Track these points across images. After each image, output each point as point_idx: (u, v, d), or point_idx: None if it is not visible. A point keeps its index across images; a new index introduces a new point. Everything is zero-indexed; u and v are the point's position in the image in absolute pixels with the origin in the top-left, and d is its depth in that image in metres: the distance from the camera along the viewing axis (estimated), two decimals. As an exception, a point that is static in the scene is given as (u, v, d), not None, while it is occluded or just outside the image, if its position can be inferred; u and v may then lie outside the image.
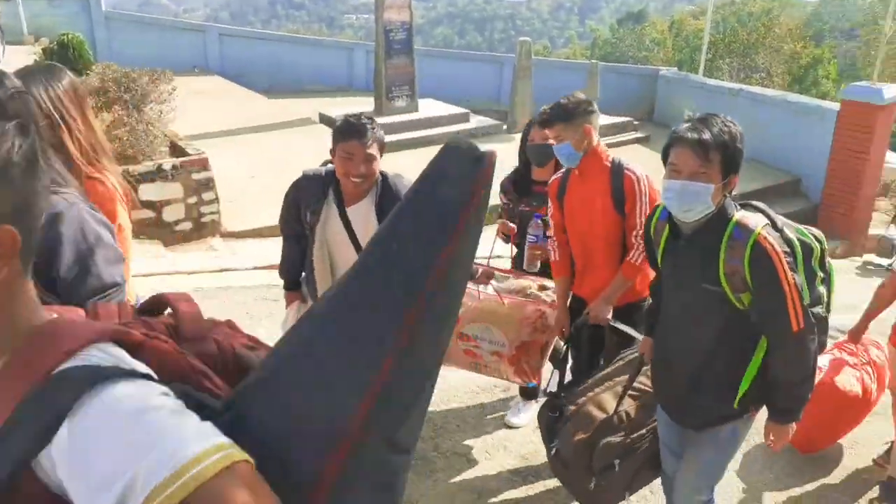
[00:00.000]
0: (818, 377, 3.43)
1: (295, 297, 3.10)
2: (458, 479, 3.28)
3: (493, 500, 3.17)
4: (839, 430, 3.61)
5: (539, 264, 3.46)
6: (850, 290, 7.20)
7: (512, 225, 3.55)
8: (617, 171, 2.93)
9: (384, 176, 2.78)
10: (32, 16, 12.09)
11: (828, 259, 2.31)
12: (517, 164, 3.58)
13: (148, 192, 6.04)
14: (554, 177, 3.14)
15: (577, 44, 47.72)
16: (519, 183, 3.56)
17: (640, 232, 2.84)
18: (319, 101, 11.67)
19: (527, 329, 3.21)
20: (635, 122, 12.91)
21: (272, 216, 6.56)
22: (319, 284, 2.94)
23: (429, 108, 11.24)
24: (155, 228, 6.15)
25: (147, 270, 5.45)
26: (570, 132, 2.85)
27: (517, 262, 3.62)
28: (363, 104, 11.27)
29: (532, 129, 3.43)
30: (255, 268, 5.58)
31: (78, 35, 9.42)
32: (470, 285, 3.14)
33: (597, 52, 31.81)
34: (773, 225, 2.12)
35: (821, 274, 2.26)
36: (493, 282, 3.34)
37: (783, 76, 22.39)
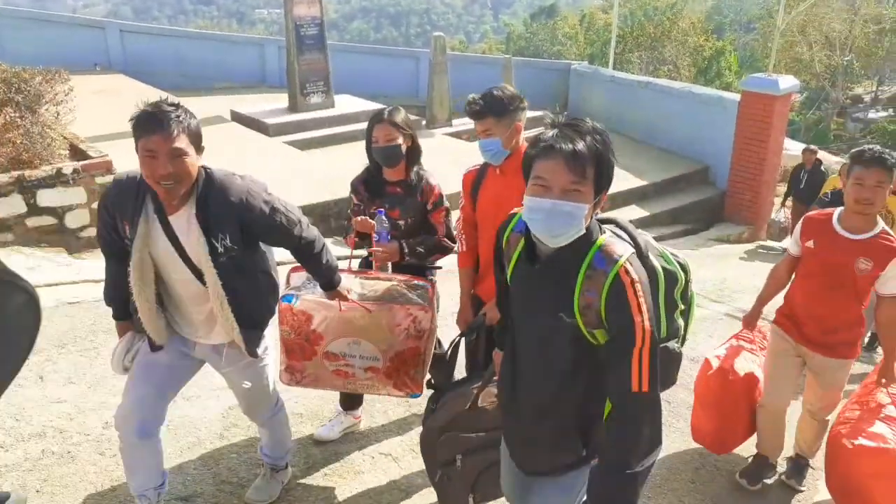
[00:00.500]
0: (714, 365, 3.38)
1: (126, 328, 2.60)
2: (384, 478, 3.25)
3: (421, 497, 3.16)
4: (750, 421, 3.44)
5: (390, 266, 3.12)
6: (738, 273, 7.58)
7: (371, 220, 3.05)
8: None
9: (208, 174, 2.31)
10: None
11: (691, 289, 2.12)
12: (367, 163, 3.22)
13: (47, 198, 5.71)
14: (470, 168, 3.00)
15: (492, 38, 48.28)
16: (370, 183, 3.21)
17: None
18: (231, 99, 11.34)
19: (399, 336, 2.86)
20: (550, 116, 13.14)
21: (184, 219, 6.35)
22: (144, 316, 2.41)
23: (345, 104, 11.10)
24: (57, 236, 5.82)
25: (53, 280, 5.16)
26: (502, 128, 2.69)
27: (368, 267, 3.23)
28: (277, 100, 11.04)
29: (375, 128, 3.06)
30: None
31: (-38, 33, 8.80)
32: (326, 299, 2.80)
33: (512, 46, 32.27)
34: (639, 251, 1.86)
35: (681, 305, 2.08)
36: (354, 287, 2.89)
37: (689, 68, 23.33)
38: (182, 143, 2.13)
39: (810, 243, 3.05)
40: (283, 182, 7.60)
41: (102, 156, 6.08)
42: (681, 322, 2.09)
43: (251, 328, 2.52)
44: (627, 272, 1.72)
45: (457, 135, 11.61)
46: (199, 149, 2.23)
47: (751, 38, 32.59)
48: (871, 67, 27.26)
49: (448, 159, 8.99)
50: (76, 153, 6.33)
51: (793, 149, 12.56)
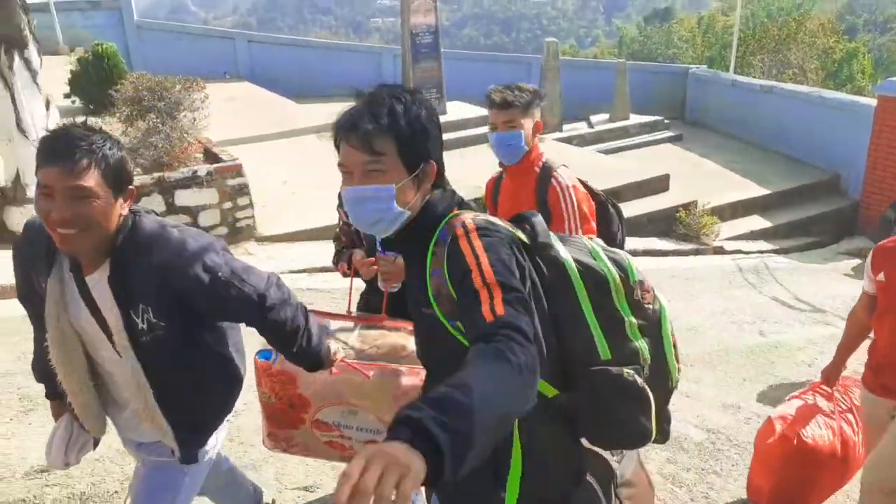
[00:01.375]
0: (778, 429, 2.95)
1: (62, 409, 1.98)
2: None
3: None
4: (821, 490, 3.02)
5: (399, 285, 2.38)
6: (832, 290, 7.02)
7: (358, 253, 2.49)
8: (544, 178, 2.60)
9: (135, 225, 1.73)
10: (67, 26, 12.37)
11: (653, 298, 1.63)
12: None
13: (183, 197, 6.14)
14: (491, 175, 2.86)
15: (604, 42, 47.46)
16: None
17: None
18: (349, 106, 11.72)
19: None
20: (666, 121, 12.78)
21: (307, 220, 6.70)
22: (78, 403, 1.86)
23: (457, 110, 11.25)
24: (190, 234, 6.25)
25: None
26: (527, 120, 2.63)
27: (368, 303, 2.68)
28: (392, 107, 11.32)
29: None
30: (291, 272, 5.62)
31: (112, 45, 9.61)
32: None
33: (624, 50, 31.59)
34: (533, 240, 1.54)
35: (632, 318, 1.57)
36: (350, 341, 2.26)
37: (816, 72, 21.99)
38: (90, 180, 1.57)
39: (881, 276, 2.55)
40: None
41: (233, 159, 6.46)
42: (641, 343, 1.57)
43: (191, 433, 1.92)
44: (465, 229, 1.45)
45: (567, 140, 11.50)
46: (121, 191, 1.66)
47: (888, 39, 30.31)
48: None
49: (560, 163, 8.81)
50: (209, 157, 6.77)
51: (937, 158, 11.56)
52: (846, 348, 2.88)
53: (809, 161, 11.18)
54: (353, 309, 2.52)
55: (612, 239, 2.79)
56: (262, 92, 12.01)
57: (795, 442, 2.87)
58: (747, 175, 10.55)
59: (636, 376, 1.52)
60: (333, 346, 2.10)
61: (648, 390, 1.53)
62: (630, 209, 8.61)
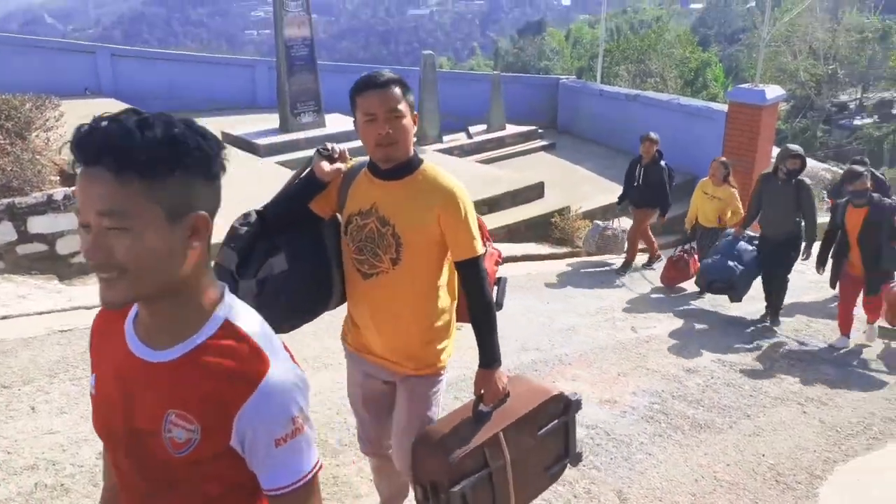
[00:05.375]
0: None
1: None
2: (383, 500, 3.22)
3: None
4: None
5: None
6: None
7: None
8: None
9: None
10: None
11: None
12: None
13: (38, 224, 5.68)
14: None
15: (480, 55, 48.64)
16: None
17: None
18: (223, 120, 11.35)
19: None
20: (540, 131, 13.25)
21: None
22: None
23: (336, 122, 11.14)
24: (48, 262, 5.78)
25: (44, 308, 5.12)
26: None
27: None
28: (268, 121, 11.07)
29: None
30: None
31: (-49, 60, 8.82)
32: None
33: (500, 62, 32.56)
34: None
35: None
36: None
37: (676, 80, 23.54)
38: None
39: (93, 379, 1.28)
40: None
41: (93, 181, 6.07)
42: None
43: None
44: None
45: (448, 151, 11.68)
46: None
47: (735, 49, 32.90)
48: (855, 75, 27.57)
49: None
50: (67, 179, 6.31)
51: (781, 158, 12.63)
52: None
53: (672, 164, 11.91)
54: None
55: None
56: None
57: None
58: (616, 179, 11.05)
59: None
60: None
61: None
62: (509, 216, 8.83)
